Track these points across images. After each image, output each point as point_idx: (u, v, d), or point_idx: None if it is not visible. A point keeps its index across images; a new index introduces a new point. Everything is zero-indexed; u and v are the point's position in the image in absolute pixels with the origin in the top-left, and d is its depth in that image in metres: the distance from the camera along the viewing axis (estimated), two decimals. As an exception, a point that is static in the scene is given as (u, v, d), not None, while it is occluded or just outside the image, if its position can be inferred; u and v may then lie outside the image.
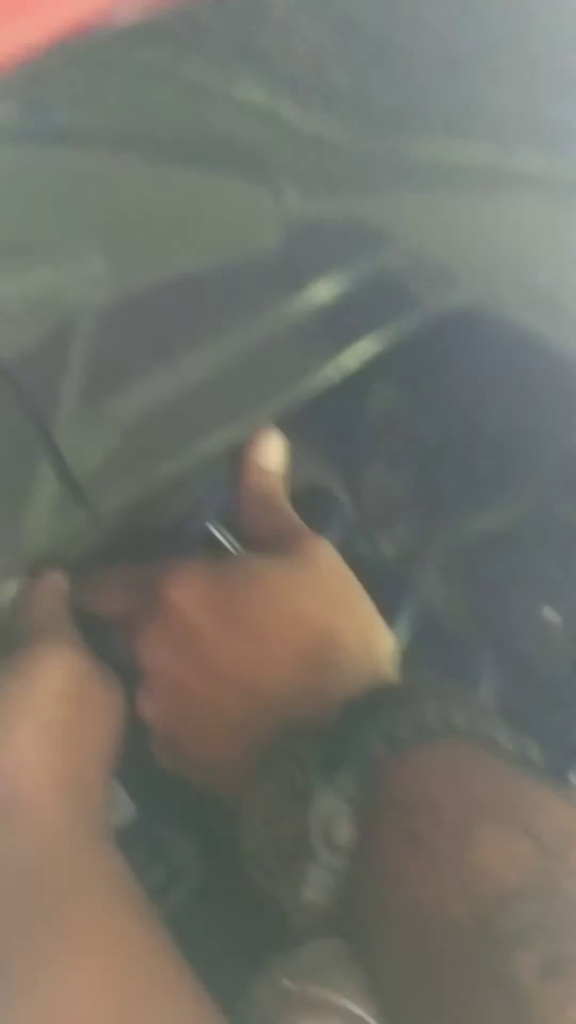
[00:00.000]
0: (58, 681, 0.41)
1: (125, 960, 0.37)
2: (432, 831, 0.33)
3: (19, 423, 0.37)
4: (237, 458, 0.47)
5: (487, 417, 0.57)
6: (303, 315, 0.42)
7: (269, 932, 0.38)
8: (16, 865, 0.38)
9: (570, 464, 0.58)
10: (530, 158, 0.46)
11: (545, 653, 0.60)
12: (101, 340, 0.38)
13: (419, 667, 0.53)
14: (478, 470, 0.60)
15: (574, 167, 0.47)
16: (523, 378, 0.53)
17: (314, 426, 0.57)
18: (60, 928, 0.36)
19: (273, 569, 0.43)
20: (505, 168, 0.46)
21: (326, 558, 0.45)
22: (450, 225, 0.46)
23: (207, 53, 0.37)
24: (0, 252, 0.35)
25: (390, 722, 0.36)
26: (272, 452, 0.48)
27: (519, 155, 0.46)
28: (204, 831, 0.48)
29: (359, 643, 0.42)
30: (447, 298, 0.45)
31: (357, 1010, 0.35)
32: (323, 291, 0.42)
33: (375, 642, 0.44)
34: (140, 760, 0.44)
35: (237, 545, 0.48)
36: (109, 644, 0.46)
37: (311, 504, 0.49)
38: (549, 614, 0.59)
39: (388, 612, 0.46)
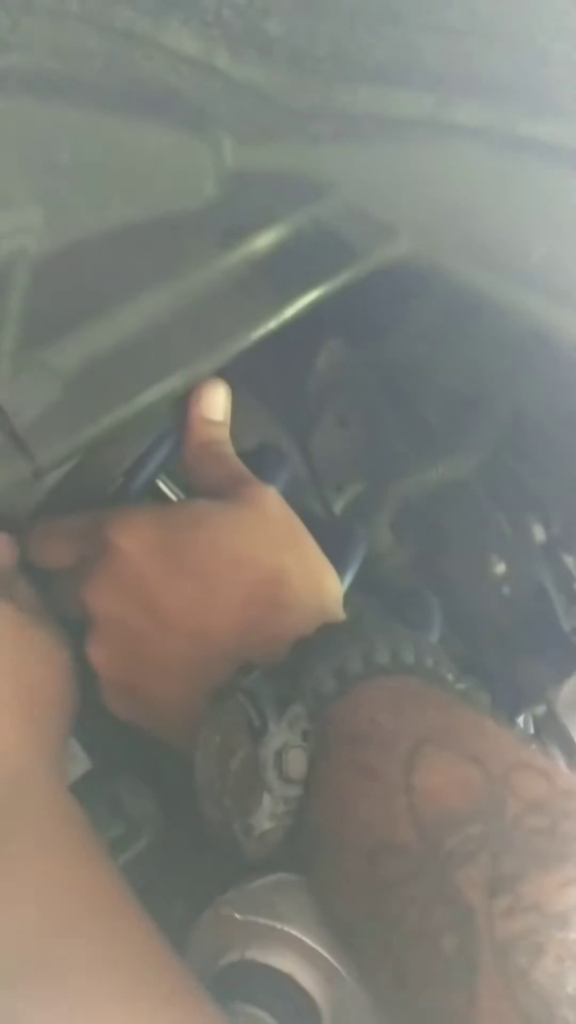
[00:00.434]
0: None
1: (69, 887, 0.38)
2: (382, 760, 0.34)
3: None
4: (181, 409, 0.47)
5: (436, 371, 0.58)
6: (242, 267, 0.42)
7: (225, 876, 0.39)
8: None
9: (519, 415, 0.58)
10: (471, 111, 0.46)
11: (492, 603, 0.61)
12: (38, 291, 0.38)
13: (369, 608, 0.54)
14: (428, 424, 0.60)
15: (515, 120, 0.47)
16: (469, 331, 0.53)
17: (263, 385, 0.58)
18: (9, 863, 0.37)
19: (218, 512, 0.44)
20: (445, 120, 0.45)
21: (272, 502, 0.45)
22: (390, 177, 0.46)
23: (138, 2, 0.36)
24: None
25: (341, 658, 0.37)
26: (217, 402, 0.48)
27: (459, 108, 0.46)
28: (160, 783, 0.48)
29: (307, 583, 0.43)
30: (387, 250, 0.45)
31: (305, 939, 0.36)
32: (262, 243, 0.42)
33: (323, 582, 0.44)
34: (94, 713, 0.44)
35: (183, 497, 0.48)
36: (57, 597, 0.46)
37: (260, 461, 0.49)
38: (496, 565, 0.60)
39: (338, 564, 0.46)
